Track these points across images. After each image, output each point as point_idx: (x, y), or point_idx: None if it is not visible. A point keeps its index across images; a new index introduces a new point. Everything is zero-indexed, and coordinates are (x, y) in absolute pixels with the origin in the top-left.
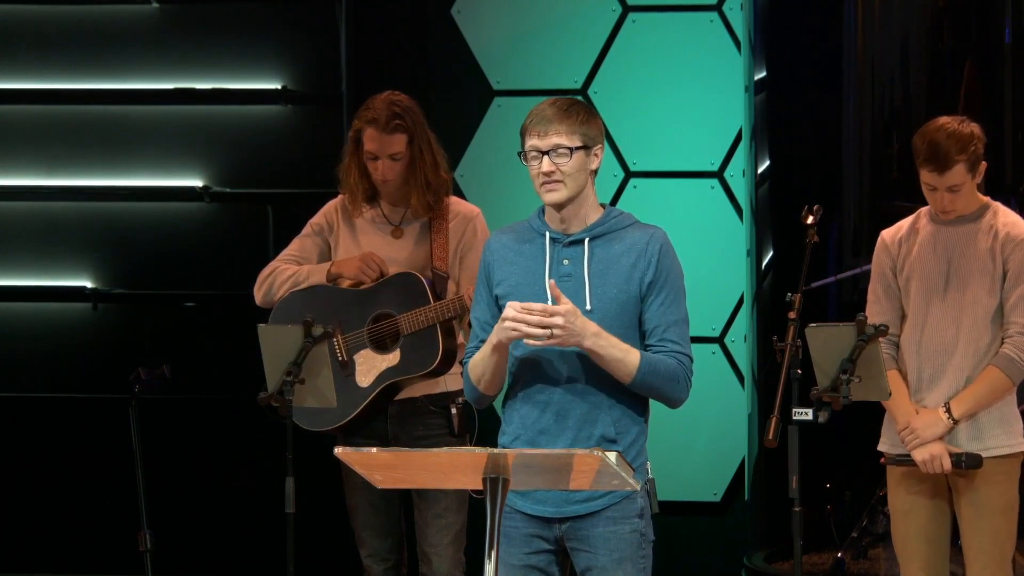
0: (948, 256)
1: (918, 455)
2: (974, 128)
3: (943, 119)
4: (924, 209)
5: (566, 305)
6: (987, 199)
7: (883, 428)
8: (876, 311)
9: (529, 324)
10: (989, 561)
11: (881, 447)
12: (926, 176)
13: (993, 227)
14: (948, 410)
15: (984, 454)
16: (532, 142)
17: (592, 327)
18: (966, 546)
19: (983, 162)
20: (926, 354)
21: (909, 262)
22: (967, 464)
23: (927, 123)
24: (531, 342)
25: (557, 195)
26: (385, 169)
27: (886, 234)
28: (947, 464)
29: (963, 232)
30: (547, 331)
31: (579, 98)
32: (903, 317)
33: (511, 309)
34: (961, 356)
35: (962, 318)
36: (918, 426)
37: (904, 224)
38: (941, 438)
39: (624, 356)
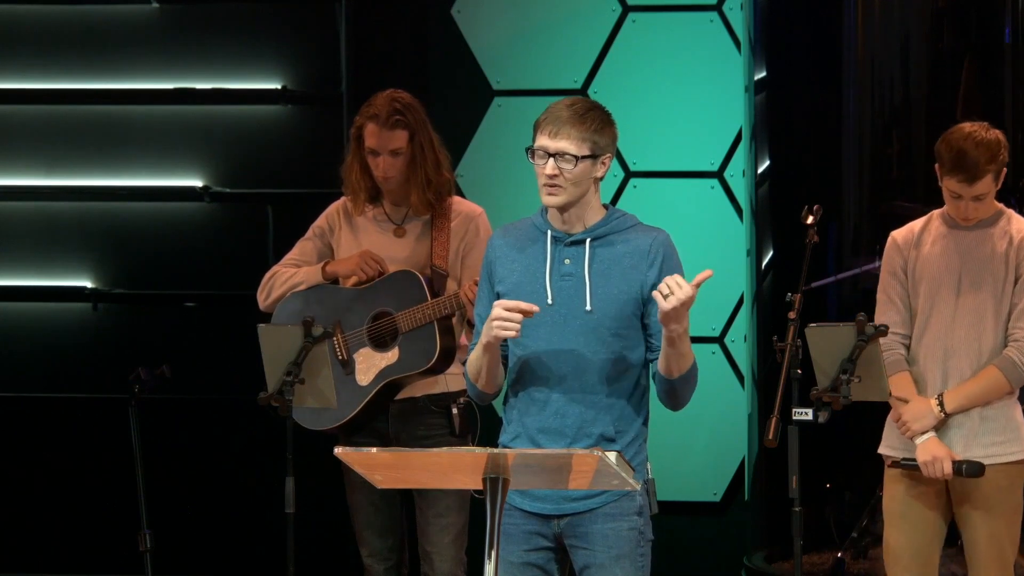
0: (961, 259)
1: (920, 456)
2: (999, 135)
3: (968, 126)
4: (936, 212)
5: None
6: (1000, 205)
7: (884, 431)
8: (889, 311)
9: (515, 323)
10: (990, 565)
11: (882, 450)
12: (953, 185)
13: (1007, 232)
14: (940, 403)
15: (987, 461)
16: (542, 140)
17: (687, 322)
18: (968, 549)
19: (1004, 168)
20: (935, 357)
21: (920, 264)
22: (967, 472)
23: (951, 130)
24: (662, 305)
25: (556, 199)
26: (386, 166)
27: (897, 235)
28: (948, 468)
29: (978, 236)
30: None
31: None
32: (914, 318)
33: (499, 308)
34: (968, 359)
35: (971, 321)
36: (908, 417)
37: (916, 226)
38: (935, 430)
39: (690, 352)
